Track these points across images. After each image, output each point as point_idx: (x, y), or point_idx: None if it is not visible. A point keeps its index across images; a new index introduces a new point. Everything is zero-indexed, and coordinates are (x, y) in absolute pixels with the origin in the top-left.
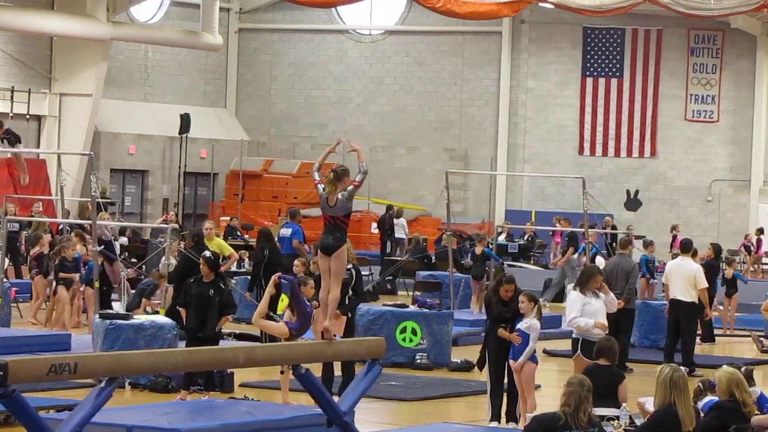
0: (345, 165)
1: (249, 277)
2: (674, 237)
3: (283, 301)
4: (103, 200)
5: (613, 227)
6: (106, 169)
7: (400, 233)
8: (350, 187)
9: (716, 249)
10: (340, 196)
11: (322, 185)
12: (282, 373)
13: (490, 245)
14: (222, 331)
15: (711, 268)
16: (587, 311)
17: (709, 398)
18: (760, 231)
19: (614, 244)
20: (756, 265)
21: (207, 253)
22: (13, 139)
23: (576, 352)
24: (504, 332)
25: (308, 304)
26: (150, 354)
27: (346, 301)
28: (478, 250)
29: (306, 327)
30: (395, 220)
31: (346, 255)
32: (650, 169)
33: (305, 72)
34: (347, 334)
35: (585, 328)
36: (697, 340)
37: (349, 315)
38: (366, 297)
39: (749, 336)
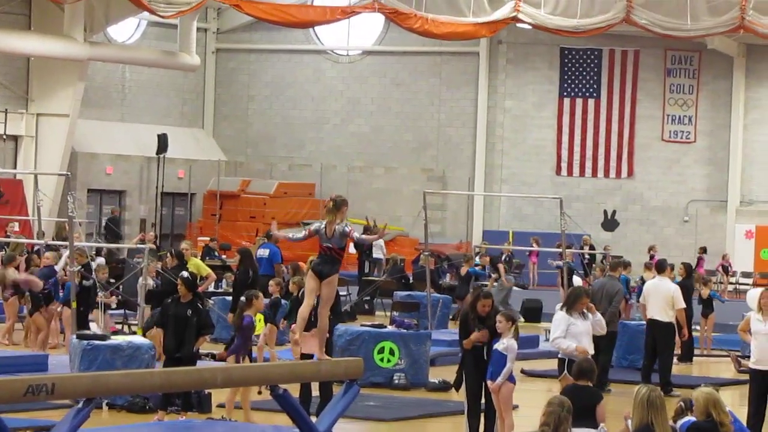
0: (343, 196)
1: (229, 298)
2: (651, 257)
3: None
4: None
5: (591, 246)
6: (83, 190)
7: (378, 254)
8: (347, 229)
9: (688, 268)
10: (337, 227)
11: (317, 222)
12: (259, 393)
13: (476, 266)
14: (200, 351)
15: (684, 288)
16: (572, 332)
17: (687, 418)
18: (703, 250)
19: (593, 264)
20: (722, 285)
21: (185, 274)
22: None
23: (563, 372)
24: (473, 336)
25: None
26: (127, 375)
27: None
28: (463, 270)
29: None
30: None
31: (336, 283)
32: (627, 189)
33: (283, 92)
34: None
35: (567, 350)
36: (675, 360)
37: (327, 335)
38: (344, 317)
39: (727, 356)
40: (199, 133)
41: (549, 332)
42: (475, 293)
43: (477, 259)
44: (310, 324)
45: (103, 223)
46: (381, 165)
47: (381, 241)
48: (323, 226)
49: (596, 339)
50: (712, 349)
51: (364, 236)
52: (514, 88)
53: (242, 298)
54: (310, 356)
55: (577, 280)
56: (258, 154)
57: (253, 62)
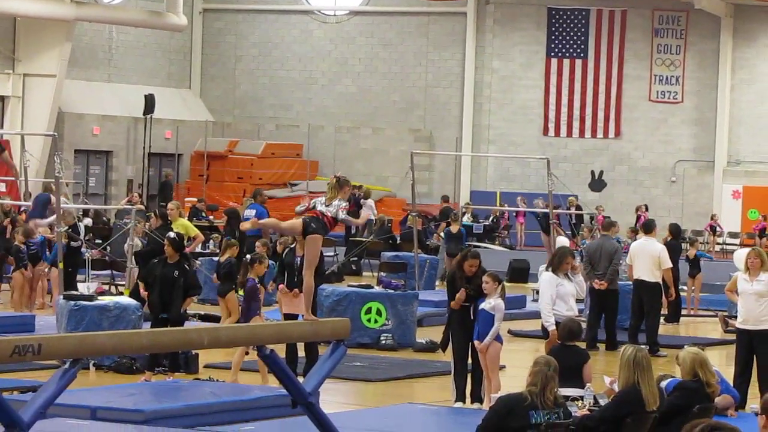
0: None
1: (216, 259)
2: (638, 217)
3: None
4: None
5: (578, 207)
6: (70, 150)
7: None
8: (341, 204)
9: (674, 229)
10: (336, 202)
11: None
12: (247, 354)
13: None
14: (187, 312)
15: (672, 249)
16: (560, 293)
17: (672, 378)
18: (645, 208)
19: (580, 224)
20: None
21: (171, 234)
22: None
23: (548, 335)
24: (459, 296)
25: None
26: (114, 335)
27: None
28: (454, 228)
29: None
30: (363, 201)
31: (320, 244)
32: (614, 149)
33: (270, 52)
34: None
35: (549, 329)
36: (662, 320)
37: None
38: (330, 278)
39: (715, 316)
40: (186, 93)
41: (536, 292)
42: (464, 253)
43: (465, 218)
44: (293, 284)
45: (90, 184)
46: (368, 125)
47: (371, 201)
48: (324, 201)
49: (601, 299)
50: (699, 309)
51: (349, 218)
52: (501, 49)
53: (247, 259)
54: (294, 316)
55: (563, 240)
56: (245, 115)
57: (241, 22)
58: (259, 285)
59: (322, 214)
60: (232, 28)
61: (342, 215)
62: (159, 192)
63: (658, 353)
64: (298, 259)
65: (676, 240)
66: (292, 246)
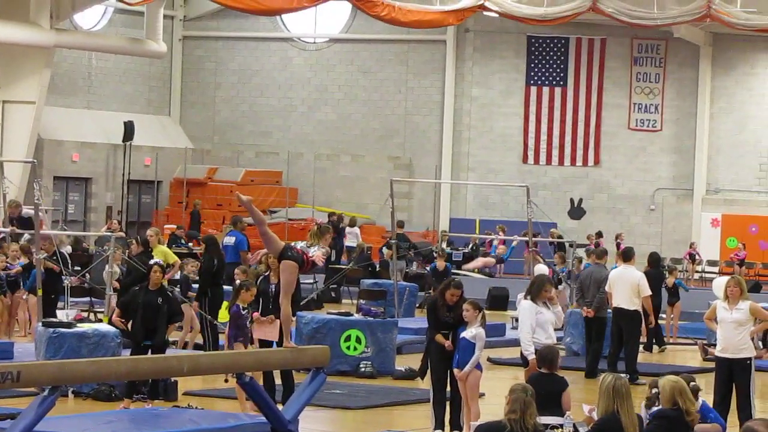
0: (327, 224)
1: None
2: (618, 245)
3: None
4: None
5: (559, 237)
6: (49, 177)
7: (352, 242)
8: (321, 258)
9: (654, 258)
10: (315, 249)
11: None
12: (226, 381)
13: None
14: (168, 339)
15: (652, 277)
16: (539, 321)
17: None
18: (599, 234)
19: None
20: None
21: (159, 261)
22: None
23: (527, 363)
24: (441, 338)
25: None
26: (93, 362)
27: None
28: (440, 265)
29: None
30: (348, 229)
31: (295, 271)
32: (594, 177)
33: (249, 80)
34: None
35: (529, 358)
36: (641, 348)
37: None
38: (310, 305)
39: (694, 344)
40: (166, 120)
41: (515, 320)
42: (446, 282)
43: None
44: (269, 311)
45: (69, 210)
46: (348, 153)
47: (356, 229)
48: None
49: (589, 326)
50: (678, 337)
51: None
52: (481, 77)
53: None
54: (268, 343)
55: (541, 268)
56: (225, 142)
57: (220, 49)
58: (245, 312)
59: (303, 252)
60: (212, 55)
61: (319, 263)
62: (191, 222)
63: (637, 381)
64: (273, 286)
65: (655, 269)
66: (266, 274)
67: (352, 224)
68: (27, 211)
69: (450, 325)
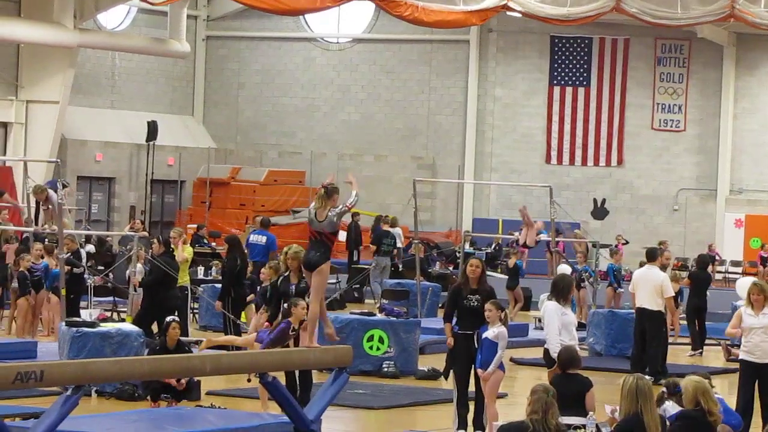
0: (335, 184)
1: (218, 285)
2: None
3: (250, 309)
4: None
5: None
6: (73, 177)
7: (399, 242)
8: (342, 207)
9: (703, 261)
10: (330, 213)
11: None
12: (249, 381)
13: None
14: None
15: (700, 280)
16: (563, 322)
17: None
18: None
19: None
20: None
21: (176, 318)
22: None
23: (554, 365)
24: (448, 329)
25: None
26: (116, 362)
27: None
28: (511, 262)
29: (278, 344)
30: (391, 229)
31: (328, 271)
32: (617, 177)
33: (273, 80)
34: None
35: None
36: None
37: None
38: (333, 305)
39: (718, 344)
40: (189, 120)
41: (539, 320)
42: (467, 261)
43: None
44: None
45: (93, 210)
46: (371, 153)
47: (398, 230)
48: (314, 210)
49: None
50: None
51: (351, 199)
52: (504, 77)
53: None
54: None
55: (564, 268)
56: (248, 142)
57: (244, 49)
58: (293, 333)
59: (319, 233)
60: (235, 55)
61: (338, 219)
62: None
63: (660, 382)
64: (293, 287)
65: (704, 272)
66: (287, 274)
67: (394, 224)
68: (52, 194)
69: (475, 312)
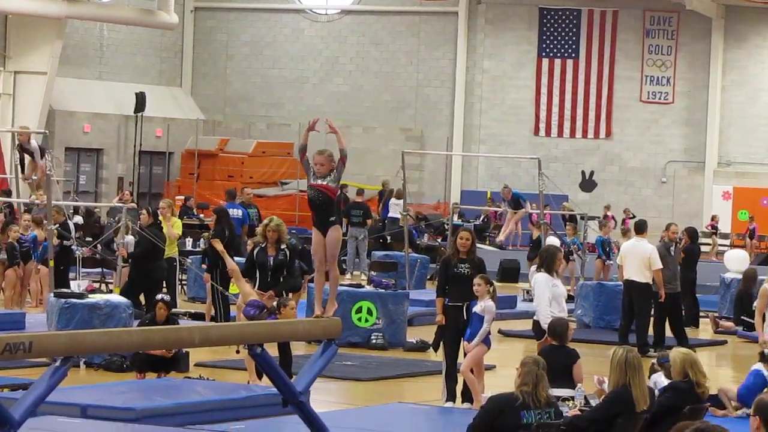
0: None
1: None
2: (624, 221)
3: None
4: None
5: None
6: (61, 148)
7: (395, 213)
8: (338, 168)
9: (692, 233)
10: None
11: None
12: (237, 353)
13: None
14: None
15: (691, 253)
16: (553, 293)
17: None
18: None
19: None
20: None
21: (166, 298)
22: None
23: (544, 336)
24: (440, 305)
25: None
26: (105, 333)
27: (281, 281)
28: (535, 234)
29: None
30: (394, 200)
31: (340, 235)
32: (605, 150)
33: (261, 51)
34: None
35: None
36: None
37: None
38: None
39: (706, 317)
40: (177, 91)
41: (527, 292)
42: (457, 232)
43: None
44: (267, 284)
45: (81, 182)
46: (359, 124)
47: (402, 201)
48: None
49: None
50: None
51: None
52: (492, 48)
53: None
54: None
55: (553, 240)
56: (236, 113)
57: (232, 21)
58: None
59: (321, 186)
60: (224, 26)
61: (342, 159)
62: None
63: (648, 354)
64: (271, 258)
65: (694, 244)
66: (263, 245)
67: (399, 196)
68: (34, 141)
69: (465, 280)
